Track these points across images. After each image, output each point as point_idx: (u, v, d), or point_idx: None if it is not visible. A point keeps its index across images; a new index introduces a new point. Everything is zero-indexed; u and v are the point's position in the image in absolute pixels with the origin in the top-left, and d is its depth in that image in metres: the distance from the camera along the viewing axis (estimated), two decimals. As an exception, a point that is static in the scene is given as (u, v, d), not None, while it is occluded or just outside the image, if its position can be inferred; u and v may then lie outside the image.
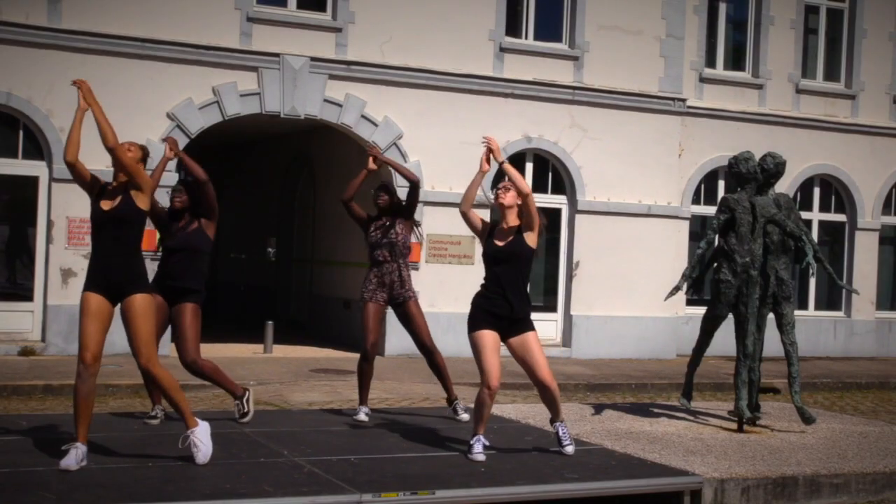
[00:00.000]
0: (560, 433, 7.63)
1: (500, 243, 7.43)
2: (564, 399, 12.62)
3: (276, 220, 21.70)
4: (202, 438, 6.73)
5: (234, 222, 24.72)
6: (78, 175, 6.73)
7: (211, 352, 15.48)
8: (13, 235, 15.26)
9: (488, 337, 7.32)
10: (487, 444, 7.41)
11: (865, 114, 20.11)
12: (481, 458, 7.27)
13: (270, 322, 16.23)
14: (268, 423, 8.74)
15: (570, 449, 7.57)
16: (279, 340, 16.77)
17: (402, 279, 8.83)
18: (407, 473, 6.78)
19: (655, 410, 10.24)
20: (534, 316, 17.15)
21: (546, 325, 17.44)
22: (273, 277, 21.99)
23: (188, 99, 15.00)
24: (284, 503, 5.97)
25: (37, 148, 14.57)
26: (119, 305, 6.65)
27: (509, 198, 7.41)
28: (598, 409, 10.24)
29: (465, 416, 8.91)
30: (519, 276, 7.45)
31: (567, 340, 17.40)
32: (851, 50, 20.08)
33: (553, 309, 17.56)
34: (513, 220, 7.45)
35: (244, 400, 8.32)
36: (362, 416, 8.73)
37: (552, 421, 7.70)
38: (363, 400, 8.85)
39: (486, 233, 7.52)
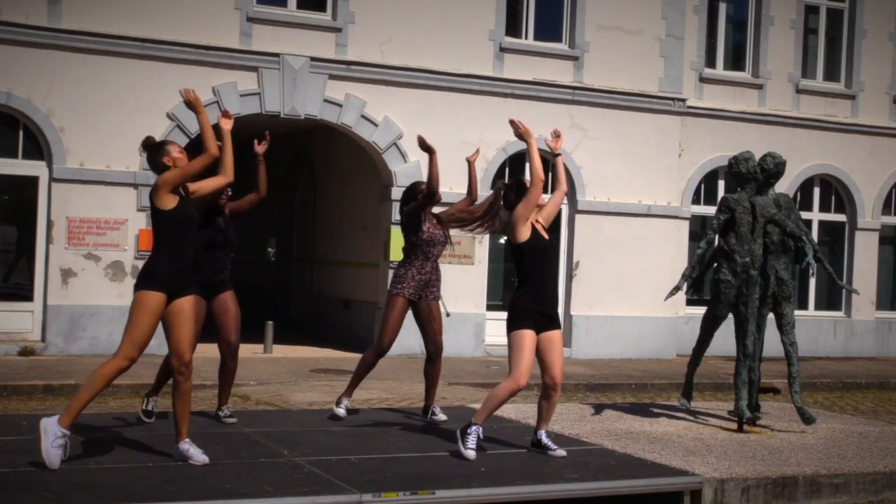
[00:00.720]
0: (545, 441, 7.62)
1: (545, 235, 7.50)
2: (564, 399, 12.64)
3: (276, 220, 21.70)
4: (194, 447, 6.78)
5: (233, 222, 24.72)
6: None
7: (210, 351, 15.50)
8: (13, 235, 15.26)
9: (530, 338, 7.34)
10: (483, 436, 7.40)
11: (865, 114, 20.11)
12: (472, 455, 7.25)
13: (270, 322, 16.23)
14: (268, 423, 8.75)
15: (561, 451, 7.56)
16: (279, 340, 16.77)
17: (439, 279, 8.83)
18: (407, 473, 6.78)
19: (655, 410, 10.24)
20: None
21: (546, 325, 17.45)
22: (273, 277, 21.99)
23: (188, 99, 14.99)
24: (284, 503, 5.97)
25: (37, 148, 14.57)
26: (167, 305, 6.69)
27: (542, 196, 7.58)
28: (598, 409, 10.24)
29: (443, 416, 8.89)
30: (554, 269, 7.65)
31: (567, 340, 17.38)
32: (851, 50, 20.09)
33: (553, 309, 17.54)
34: (535, 214, 7.53)
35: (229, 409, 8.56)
36: (342, 411, 8.76)
37: (537, 430, 7.67)
38: (350, 392, 8.89)
39: (518, 226, 7.45)
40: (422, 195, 8.73)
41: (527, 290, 7.43)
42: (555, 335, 7.47)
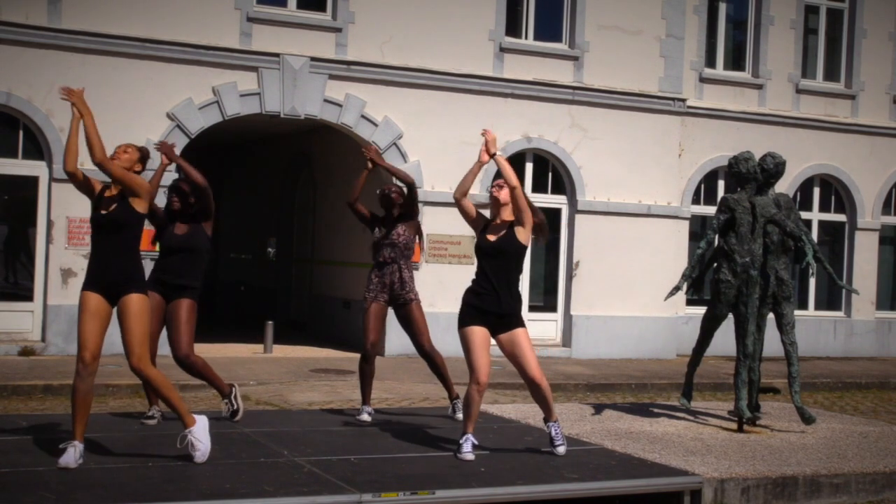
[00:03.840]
0: (553, 433, 7.60)
1: (491, 238, 7.45)
2: (564, 399, 12.64)
3: (276, 220, 21.70)
4: (200, 437, 6.74)
5: (234, 222, 24.72)
6: (78, 183, 6.85)
7: (211, 352, 15.49)
8: (13, 235, 15.26)
9: (477, 333, 7.32)
10: (477, 443, 7.37)
11: (865, 114, 20.11)
12: (470, 457, 7.23)
13: (270, 322, 16.23)
14: (268, 423, 8.75)
15: (561, 449, 7.54)
16: (279, 340, 16.77)
17: (402, 280, 8.81)
18: (407, 473, 6.78)
19: (655, 410, 10.24)
20: (534, 316, 17.22)
21: (546, 325, 17.46)
22: (273, 277, 21.99)
23: (188, 99, 15.00)
24: (284, 503, 5.97)
25: (37, 148, 14.57)
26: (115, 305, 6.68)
27: (503, 194, 7.44)
28: (598, 409, 10.24)
29: (460, 416, 8.90)
30: (508, 271, 7.43)
31: (567, 340, 17.40)
32: (851, 50, 20.09)
33: (553, 309, 17.56)
34: (507, 215, 7.48)
35: (232, 397, 8.32)
36: (365, 417, 8.73)
37: (546, 420, 7.67)
38: (366, 400, 8.84)
39: (480, 226, 7.55)
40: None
41: (469, 288, 7.51)
42: (517, 333, 7.38)
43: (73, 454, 6.42)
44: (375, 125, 16.01)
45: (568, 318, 17.38)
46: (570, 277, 17.41)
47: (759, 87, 19.22)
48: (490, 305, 7.36)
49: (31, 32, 14.20)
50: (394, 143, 16.10)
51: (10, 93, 14.22)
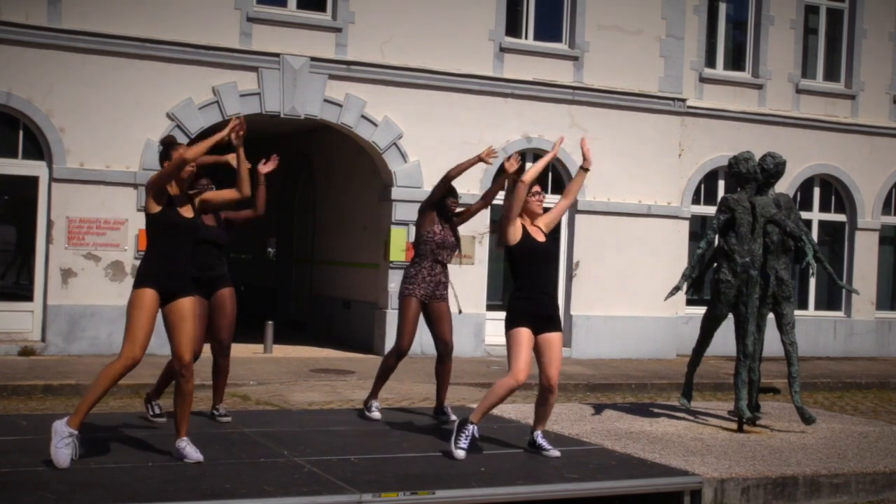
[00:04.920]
0: (539, 441, 7.62)
1: (540, 239, 7.50)
2: (564, 399, 12.64)
3: (276, 220, 21.69)
4: (191, 446, 6.82)
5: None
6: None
7: (207, 351, 15.49)
8: (13, 235, 15.26)
9: (525, 334, 7.38)
10: (477, 436, 7.38)
11: (865, 114, 20.11)
12: (461, 454, 7.24)
13: (270, 322, 16.23)
14: (268, 423, 8.76)
15: (555, 452, 7.55)
16: (279, 340, 16.77)
17: (448, 281, 8.89)
18: (407, 473, 6.78)
19: (655, 410, 10.24)
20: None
21: (546, 325, 17.44)
22: (273, 277, 21.99)
23: (188, 99, 15.00)
24: (284, 503, 5.98)
25: (37, 148, 14.57)
26: (166, 306, 6.79)
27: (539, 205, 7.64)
28: (598, 409, 10.24)
29: (454, 417, 8.89)
30: (552, 272, 7.83)
31: (567, 340, 17.38)
32: (851, 50, 20.09)
33: (553, 309, 17.54)
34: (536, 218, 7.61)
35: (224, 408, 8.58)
36: (376, 413, 8.87)
37: (533, 430, 7.67)
38: (376, 394, 8.98)
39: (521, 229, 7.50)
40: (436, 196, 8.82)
41: (519, 293, 7.49)
42: (553, 337, 7.48)
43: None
44: (375, 125, 16.01)
45: (568, 318, 17.38)
46: (570, 277, 17.41)
47: (759, 87, 19.22)
48: (547, 310, 7.52)
49: (31, 32, 14.20)
50: (394, 143, 16.10)
51: (10, 93, 14.21)
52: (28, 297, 14.60)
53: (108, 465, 6.61)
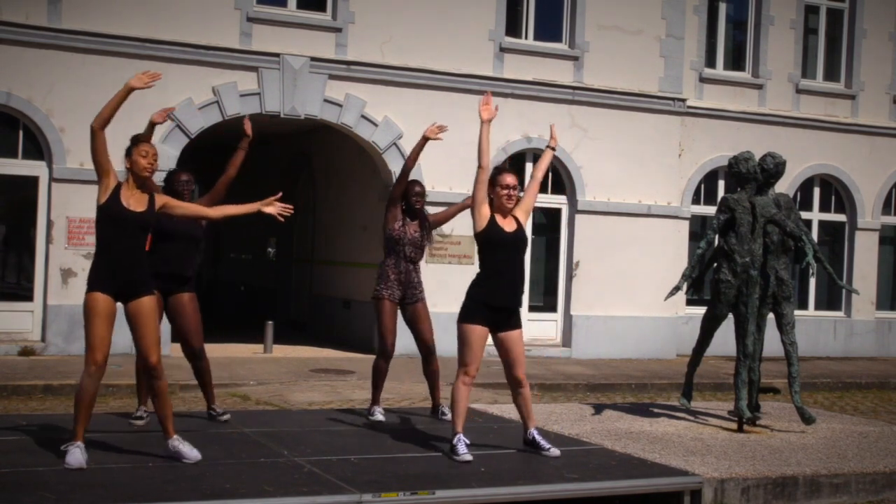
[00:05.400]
0: (537, 439, 7.53)
1: (509, 228, 7.35)
2: (564, 399, 12.65)
3: (277, 221, 21.68)
4: (184, 444, 6.74)
5: (234, 222, 24.70)
6: (99, 148, 6.71)
7: (211, 352, 15.45)
8: (13, 235, 15.27)
9: (478, 334, 7.23)
10: (469, 442, 7.29)
11: (865, 114, 20.11)
12: (468, 457, 7.15)
13: (270, 322, 16.23)
14: (268, 423, 8.75)
15: (554, 451, 7.48)
16: (279, 340, 16.77)
17: (419, 280, 8.84)
18: (407, 473, 6.78)
19: (655, 410, 10.24)
20: (534, 316, 17.17)
21: (546, 325, 17.46)
22: (273, 277, 21.99)
23: (188, 99, 14.99)
24: (284, 503, 5.97)
25: (37, 148, 14.57)
26: (125, 307, 6.65)
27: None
28: (598, 409, 10.24)
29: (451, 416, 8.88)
30: (523, 264, 7.46)
31: (567, 340, 17.39)
32: (851, 50, 20.09)
33: (553, 309, 17.56)
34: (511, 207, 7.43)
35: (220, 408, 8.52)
36: (379, 416, 8.81)
37: (526, 429, 7.59)
38: (378, 399, 8.91)
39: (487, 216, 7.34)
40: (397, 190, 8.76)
41: (480, 282, 7.34)
42: (514, 335, 7.36)
43: (81, 455, 6.41)
44: (375, 125, 16.01)
45: (568, 318, 17.38)
46: (570, 277, 17.41)
47: (759, 87, 19.22)
48: (507, 303, 7.30)
49: (31, 32, 14.20)
50: (394, 143, 16.09)
51: (10, 93, 14.22)
52: (28, 297, 14.60)
53: (108, 465, 6.60)
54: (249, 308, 22.48)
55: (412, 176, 8.93)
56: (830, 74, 20.15)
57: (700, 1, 18.65)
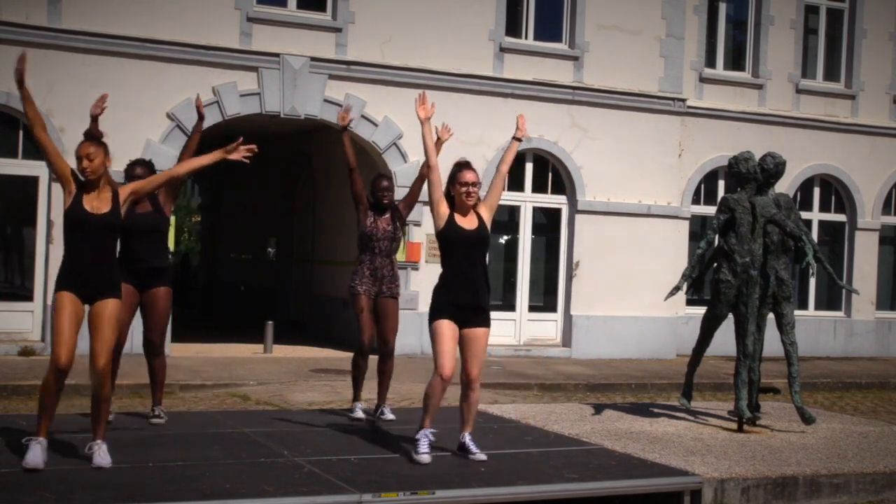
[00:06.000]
0: (467, 443, 7.33)
1: (469, 227, 7.23)
2: (564, 399, 12.65)
3: (276, 220, 21.70)
4: (103, 450, 6.60)
5: (233, 222, 24.72)
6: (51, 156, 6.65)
7: (211, 352, 15.50)
8: (13, 235, 15.26)
9: (447, 328, 7.11)
10: (434, 440, 7.19)
11: (865, 114, 20.11)
12: (427, 459, 7.04)
13: (270, 322, 16.23)
14: (268, 423, 8.75)
15: (481, 455, 7.24)
16: (279, 340, 16.77)
17: (393, 274, 8.81)
18: (407, 473, 6.78)
19: (655, 410, 10.24)
20: (533, 316, 17.12)
21: (546, 325, 17.46)
22: (273, 277, 21.99)
23: (188, 99, 14.98)
24: (284, 503, 5.97)
25: (37, 148, 14.51)
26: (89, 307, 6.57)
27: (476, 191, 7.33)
28: (598, 409, 10.24)
29: (391, 416, 8.83)
30: (484, 262, 7.32)
31: (567, 340, 17.39)
32: (851, 50, 20.09)
33: (553, 309, 17.55)
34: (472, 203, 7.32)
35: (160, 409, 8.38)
36: (359, 414, 8.73)
37: (461, 432, 7.39)
38: (358, 396, 8.84)
39: (446, 212, 7.26)
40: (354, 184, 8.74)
41: (442, 282, 7.24)
42: (478, 332, 7.21)
43: (41, 452, 6.35)
44: (375, 125, 16.01)
45: (568, 318, 17.38)
46: (570, 277, 17.41)
47: (759, 87, 19.22)
48: (471, 301, 7.16)
49: (31, 32, 14.20)
50: (394, 143, 16.10)
51: (11, 93, 14.20)
52: (28, 297, 14.60)
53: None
54: (249, 308, 22.47)
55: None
56: (830, 74, 20.15)
57: (700, 1, 18.65)
